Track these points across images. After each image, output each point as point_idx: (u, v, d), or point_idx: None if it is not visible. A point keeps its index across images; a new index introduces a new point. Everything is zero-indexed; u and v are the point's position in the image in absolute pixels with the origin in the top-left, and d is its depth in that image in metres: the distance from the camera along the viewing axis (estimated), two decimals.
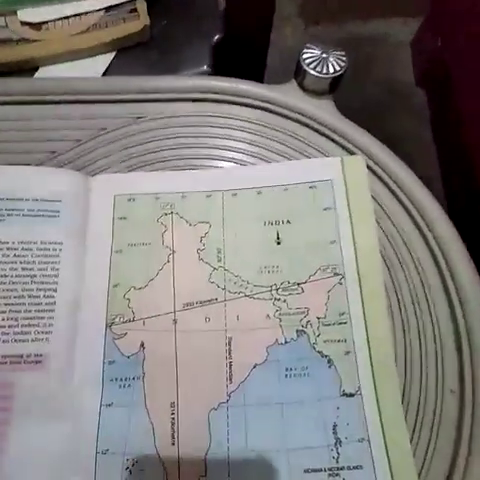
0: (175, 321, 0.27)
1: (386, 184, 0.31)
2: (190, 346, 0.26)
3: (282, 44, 0.97)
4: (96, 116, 0.34)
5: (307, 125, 0.33)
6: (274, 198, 0.30)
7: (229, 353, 0.25)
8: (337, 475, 0.23)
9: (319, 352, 0.25)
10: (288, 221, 0.30)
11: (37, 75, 0.43)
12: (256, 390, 0.24)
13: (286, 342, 0.25)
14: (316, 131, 0.34)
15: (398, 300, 0.29)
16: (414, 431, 0.25)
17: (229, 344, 0.25)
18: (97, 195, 0.31)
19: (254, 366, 0.25)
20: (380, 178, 0.31)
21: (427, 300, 0.29)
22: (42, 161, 0.33)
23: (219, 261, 0.28)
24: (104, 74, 0.42)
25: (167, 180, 0.32)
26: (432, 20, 0.69)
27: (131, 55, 0.43)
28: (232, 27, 0.45)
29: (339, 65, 0.33)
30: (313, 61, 0.33)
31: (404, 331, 0.28)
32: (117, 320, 0.27)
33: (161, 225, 0.30)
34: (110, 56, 0.43)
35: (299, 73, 0.34)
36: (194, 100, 0.34)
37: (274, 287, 0.27)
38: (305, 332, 0.25)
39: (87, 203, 0.31)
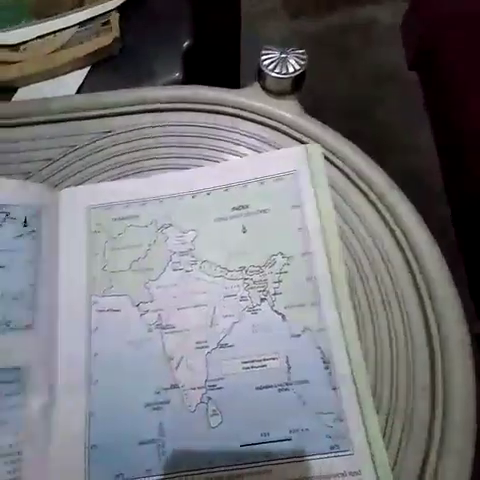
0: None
1: (347, 175, 0.31)
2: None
3: (267, 37, 0.96)
4: (65, 134, 0.35)
5: (272, 127, 0.34)
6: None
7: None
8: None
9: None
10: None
11: (16, 96, 0.44)
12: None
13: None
14: (281, 132, 0.34)
15: (366, 295, 0.29)
16: (385, 431, 0.27)
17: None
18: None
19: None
20: (341, 169, 0.32)
21: (396, 294, 0.29)
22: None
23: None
24: (79, 90, 0.44)
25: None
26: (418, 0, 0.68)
27: (105, 69, 0.45)
28: (201, 32, 0.46)
29: (299, 64, 0.34)
30: (272, 62, 0.33)
31: (374, 327, 0.28)
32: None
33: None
34: (84, 71, 0.44)
35: (260, 75, 0.34)
36: (158, 110, 0.35)
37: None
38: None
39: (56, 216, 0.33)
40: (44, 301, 0.31)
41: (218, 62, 0.51)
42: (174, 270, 0.32)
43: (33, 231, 0.32)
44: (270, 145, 0.34)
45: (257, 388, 0.29)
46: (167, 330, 0.30)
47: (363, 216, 0.31)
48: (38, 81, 0.45)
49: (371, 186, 0.32)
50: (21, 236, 0.32)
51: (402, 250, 0.30)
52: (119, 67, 0.45)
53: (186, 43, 0.45)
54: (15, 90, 0.45)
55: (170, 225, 0.33)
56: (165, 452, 0.28)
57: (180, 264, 0.32)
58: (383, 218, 0.31)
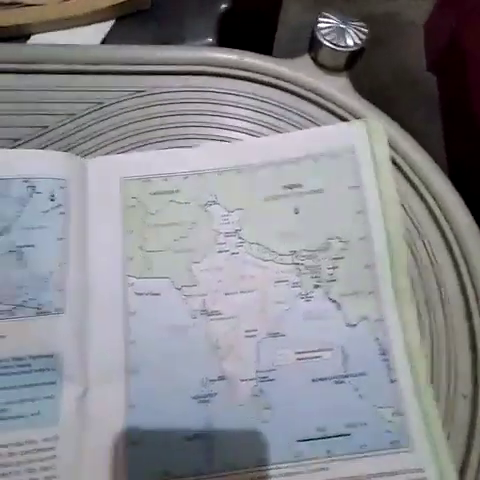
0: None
1: (401, 169, 0.29)
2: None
3: (290, 23, 0.91)
4: (91, 88, 0.31)
5: (320, 104, 0.31)
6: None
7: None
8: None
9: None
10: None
11: (29, 43, 0.39)
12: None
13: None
14: (330, 111, 0.31)
15: (423, 287, 0.28)
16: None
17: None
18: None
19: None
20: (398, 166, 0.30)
21: (441, 298, 0.28)
22: (32, 137, 0.31)
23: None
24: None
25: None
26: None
27: (130, 24, 0.41)
28: None
29: (359, 38, 0.30)
30: (329, 32, 0.30)
31: (430, 319, 0.27)
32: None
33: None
34: (108, 25, 0.40)
35: (313, 45, 0.31)
36: (196, 73, 0.32)
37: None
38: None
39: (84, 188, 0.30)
40: (75, 283, 0.28)
41: (254, 29, 0.47)
42: (219, 252, 0.29)
43: (60, 205, 0.29)
44: (316, 124, 0.31)
45: (312, 380, 0.27)
46: (213, 317, 0.28)
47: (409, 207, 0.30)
48: (54, 29, 0.41)
49: (422, 179, 0.30)
50: (48, 212, 0.29)
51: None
52: (146, 24, 0.40)
53: (223, 5, 0.41)
54: (28, 37, 0.41)
55: (214, 202, 0.30)
56: (213, 449, 0.26)
57: (226, 246, 0.29)
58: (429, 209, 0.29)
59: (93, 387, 0.27)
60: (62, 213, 0.29)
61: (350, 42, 0.30)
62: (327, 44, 0.30)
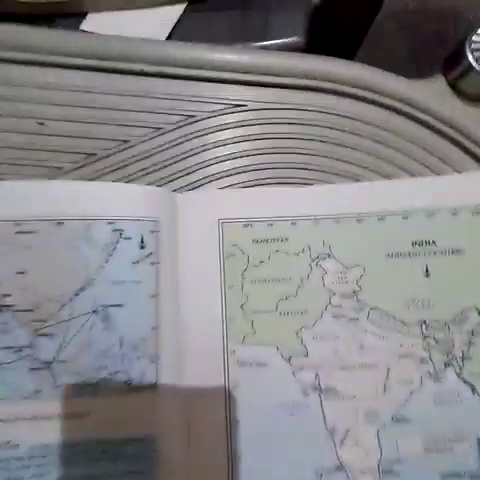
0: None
1: None
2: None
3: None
4: (183, 97, 0.27)
5: (462, 146, 0.26)
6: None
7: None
8: None
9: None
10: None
11: (85, 23, 0.33)
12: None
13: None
14: (474, 157, 0.26)
15: None
16: None
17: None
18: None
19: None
20: None
21: None
22: (109, 152, 0.26)
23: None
24: (169, 35, 0.33)
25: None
26: None
27: (203, 12, 0.34)
28: None
29: None
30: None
31: None
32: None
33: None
34: (177, 10, 0.33)
35: (457, 66, 0.26)
36: (313, 89, 0.26)
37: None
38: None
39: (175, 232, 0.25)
40: (169, 351, 0.23)
41: (343, 30, 0.41)
42: (334, 317, 0.25)
43: (151, 254, 0.24)
44: (456, 170, 0.27)
45: (443, 476, 0.23)
46: (327, 395, 0.24)
47: None
48: (113, 9, 0.34)
49: None
50: (138, 263, 0.24)
51: None
52: (220, 14, 0.34)
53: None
54: (84, 15, 0.34)
55: (328, 256, 0.26)
56: None
57: (342, 309, 0.25)
58: None
59: (195, 476, 0.23)
60: (153, 263, 0.24)
61: None
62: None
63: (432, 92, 0.27)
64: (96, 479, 0.22)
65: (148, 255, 0.24)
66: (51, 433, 0.22)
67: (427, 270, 0.25)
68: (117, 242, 0.23)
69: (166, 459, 0.22)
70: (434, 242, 0.26)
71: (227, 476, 0.23)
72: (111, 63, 0.27)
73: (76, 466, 0.22)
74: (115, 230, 0.23)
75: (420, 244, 0.26)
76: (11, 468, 0.21)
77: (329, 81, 0.27)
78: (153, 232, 0.24)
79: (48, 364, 0.22)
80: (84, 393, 0.22)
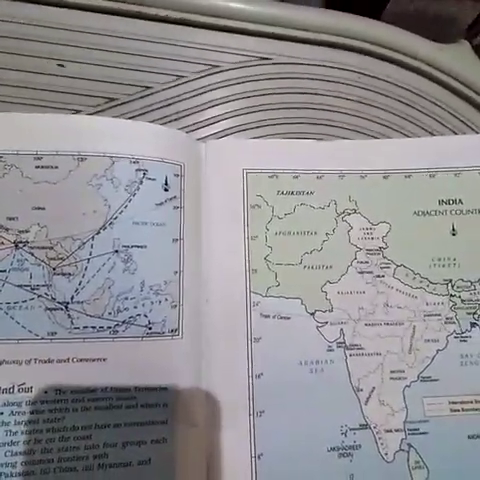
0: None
1: None
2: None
3: None
4: (208, 47, 0.26)
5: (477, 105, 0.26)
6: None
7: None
8: None
9: None
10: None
11: None
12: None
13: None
14: None
15: None
16: None
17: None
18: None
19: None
20: None
21: None
22: (131, 98, 0.26)
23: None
24: None
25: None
26: None
27: None
28: None
29: None
30: None
31: None
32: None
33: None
34: None
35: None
36: (343, 47, 0.26)
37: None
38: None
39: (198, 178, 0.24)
40: (192, 297, 0.22)
41: None
42: (360, 272, 0.24)
43: (175, 197, 0.23)
44: (477, 130, 0.27)
45: (469, 437, 0.23)
46: (352, 351, 0.23)
47: None
48: None
49: None
50: (161, 204, 0.23)
51: None
52: None
53: None
54: None
55: (355, 211, 0.25)
56: None
57: (368, 265, 0.24)
58: None
59: (212, 430, 0.21)
60: (177, 207, 0.23)
61: None
62: None
63: (457, 56, 0.27)
64: (110, 428, 0.20)
65: (172, 198, 0.23)
66: (66, 377, 0.20)
67: (454, 229, 0.25)
68: (140, 182, 0.22)
69: (185, 409, 0.21)
70: (461, 201, 0.25)
71: (249, 431, 0.22)
72: (136, 7, 0.26)
73: (90, 414, 0.20)
74: (139, 169, 0.23)
75: (447, 203, 0.25)
76: (24, 411, 0.19)
77: (356, 39, 0.27)
78: (177, 176, 0.23)
79: (65, 305, 0.21)
80: (101, 337, 0.21)
